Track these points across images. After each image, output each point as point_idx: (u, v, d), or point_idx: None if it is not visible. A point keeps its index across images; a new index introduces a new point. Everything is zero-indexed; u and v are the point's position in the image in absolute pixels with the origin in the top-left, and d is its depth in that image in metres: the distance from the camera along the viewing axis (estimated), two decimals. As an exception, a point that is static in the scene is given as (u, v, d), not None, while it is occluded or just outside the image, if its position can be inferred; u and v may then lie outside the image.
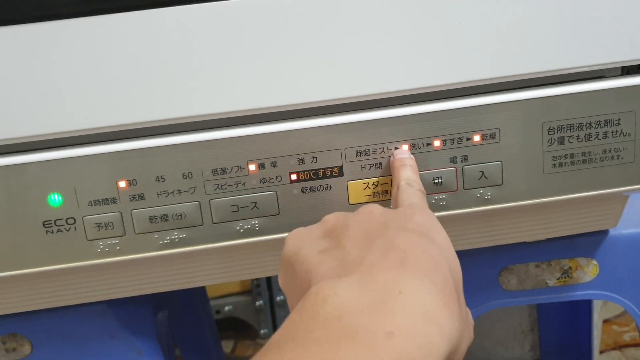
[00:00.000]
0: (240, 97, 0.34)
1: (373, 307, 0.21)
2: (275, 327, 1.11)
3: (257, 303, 1.09)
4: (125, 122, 0.33)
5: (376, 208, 0.28)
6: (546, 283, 0.42)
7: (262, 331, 1.10)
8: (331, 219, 0.28)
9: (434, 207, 0.36)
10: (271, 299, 1.10)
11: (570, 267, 0.42)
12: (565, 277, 0.42)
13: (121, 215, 0.35)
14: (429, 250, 0.24)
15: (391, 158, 0.35)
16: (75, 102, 0.33)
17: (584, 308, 0.67)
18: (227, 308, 1.08)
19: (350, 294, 0.21)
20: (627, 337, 0.98)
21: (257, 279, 1.08)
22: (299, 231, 0.28)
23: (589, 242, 0.42)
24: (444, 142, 0.35)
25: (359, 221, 0.27)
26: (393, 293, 0.21)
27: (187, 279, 0.39)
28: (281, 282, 0.28)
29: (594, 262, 0.42)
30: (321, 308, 0.21)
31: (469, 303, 0.44)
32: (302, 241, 0.27)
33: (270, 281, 1.09)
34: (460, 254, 0.42)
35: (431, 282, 0.22)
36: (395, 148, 0.35)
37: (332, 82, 0.34)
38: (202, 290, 0.66)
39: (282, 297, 1.10)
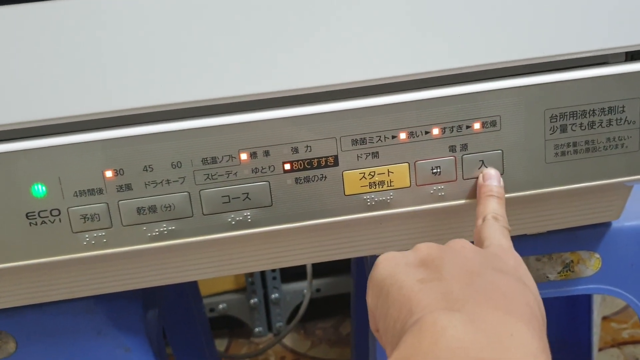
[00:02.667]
0: (232, 83, 0.32)
1: (491, 345, 0.22)
2: (269, 326, 1.10)
3: (252, 301, 1.07)
4: (111, 109, 0.32)
5: (468, 244, 0.29)
6: (547, 277, 0.41)
7: (256, 329, 1.09)
8: (424, 248, 0.29)
9: (432, 198, 0.35)
10: (265, 297, 1.09)
11: (572, 261, 0.41)
12: (566, 271, 0.41)
13: (108, 206, 0.33)
14: (526, 296, 0.25)
15: (479, 179, 0.34)
16: (59, 88, 0.32)
17: (583, 304, 0.66)
18: (221, 306, 1.06)
19: (466, 328, 0.22)
20: (625, 335, 0.97)
21: (251, 277, 1.07)
22: (393, 255, 0.29)
23: (591, 235, 0.41)
24: (443, 130, 0.34)
25: (453, 255, 0.27)
26: (505, 334, 0.22)
27: (177, 274, 0.38)
28: (370, 301, 0.28)
29: (597, 255, 0.41)
30: (442, 337, 0.22)
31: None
32: (398, 266, 0.27)
33: (264, 279, 1.08)
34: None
35: (532, 328, 0.23)
36: (486, 168, 0.34)
37: (326, 68, 0.33)
38: (194, 287, 0.65)
39: (276, 295, 1.09)
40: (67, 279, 0.37)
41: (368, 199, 0.35)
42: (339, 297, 1.09)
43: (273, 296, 1.08)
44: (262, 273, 1.08)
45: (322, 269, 1.06)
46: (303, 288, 1.08)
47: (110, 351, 0.40)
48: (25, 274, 0.36)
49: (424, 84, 0.34)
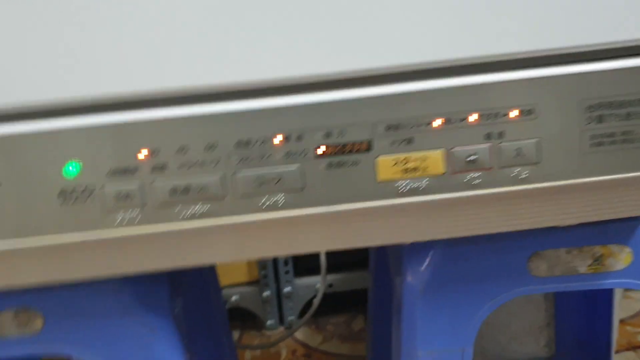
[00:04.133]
0: (269, 66, 0.32)
1: None
2: (281, 319, 1.10)
3: (264, 294, 1.08)
4: (148, 90, 0.32)
5: None
6: (577, 270, 0.41)
7: (268, 322, 1.09)
8: None
9: (466, 187, 0.35)
10: (278, 290, 1.09)
11: (602, 254, 0.40)
12: (596, 265, 0.40)
13: (141, 186, 0.33)
14: None
15: None
16: (96, 66, 0.32)
17: (604, 302, 0.66)
18: (233, 298, 1.07)
19: None
20: (641, 337, 0.96)
21: (264, 269, 1.07)
22: None
23: (622, 228, 0.40)
24: (480, 117, 0.34)
25: None
26: None
27: (206, 255, 0.38)
28: None
29: (628, 249, 0.40)
30: None
31: (495, 290, 0.43)
32: None
33: (277, 272, 1.08)
34: (489, 238, 0.41)
35: None
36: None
37: (363, 51, 0.32)
38: (214, 277, 0.65)
39: (289, 288, 1.09)
40: (96, 257, 0.37)
41: (401, 185, 0.35)
42: (351, 293, 1.09)
43: (285, 290, 1.08)
44: (275, 267, 1.08)
45: (335, 265, 1.06)
46: (315, 282, 1.08)
47: (137, 331, 0.40)
48: (55, 252, 0.36)
49: (462, 71, 0.34)
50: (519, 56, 0.33)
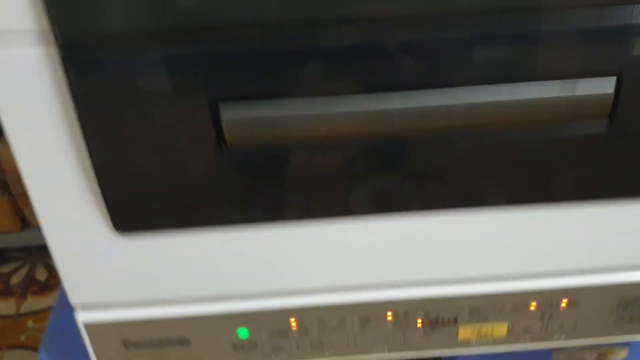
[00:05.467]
0: (392, 273, 0.44)
1: None
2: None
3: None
4: (308, 286, 0.44)
5: None
6: (585, 358, 0.56)
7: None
8: None
9: (518, 343, 0.48)
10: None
11: (607, 351, 0.55)
12: (601, 358, 0.56)
13: (290, 342, 0.47)
14: None
15: None
16: (269, 275, 0.43)
17: None
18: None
19: None
20: None
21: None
22: None
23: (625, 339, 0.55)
24: (539, 305, 0.46)
25: None
26: None
27: None
28: None
29: (626, 349, 0.55)
30: None
31: None
32: None
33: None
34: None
35: None
36: None
37: (456, 266, 0.43)
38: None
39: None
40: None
41: (472, 342, 0.48)
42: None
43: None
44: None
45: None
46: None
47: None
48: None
49: (528, 277, 0.45)
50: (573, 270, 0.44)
